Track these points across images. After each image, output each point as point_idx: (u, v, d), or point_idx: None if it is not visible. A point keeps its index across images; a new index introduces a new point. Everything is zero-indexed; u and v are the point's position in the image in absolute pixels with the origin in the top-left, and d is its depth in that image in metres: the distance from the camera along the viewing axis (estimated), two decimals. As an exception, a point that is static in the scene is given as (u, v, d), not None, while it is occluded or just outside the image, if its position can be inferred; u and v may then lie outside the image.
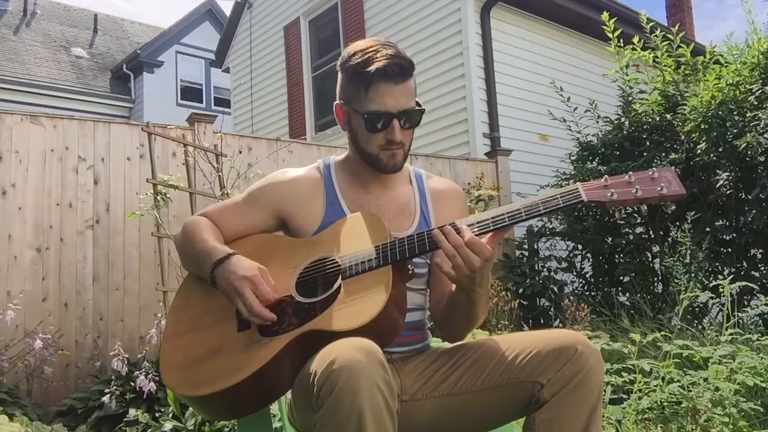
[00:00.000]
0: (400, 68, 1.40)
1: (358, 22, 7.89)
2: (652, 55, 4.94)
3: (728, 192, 4.36)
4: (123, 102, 14.84)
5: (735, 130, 4.18)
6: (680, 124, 4.53)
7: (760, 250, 4.50)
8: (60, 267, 4.13)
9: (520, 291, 5.16)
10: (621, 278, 4.99)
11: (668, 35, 4.92)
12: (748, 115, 4.13)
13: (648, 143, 4.87)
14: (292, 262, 1.40)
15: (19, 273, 3.98)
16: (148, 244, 4.34)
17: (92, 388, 3.57)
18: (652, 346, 3.08)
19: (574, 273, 5.33)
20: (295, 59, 8.77)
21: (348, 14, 8.07)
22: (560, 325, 4.85)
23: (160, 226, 3.74)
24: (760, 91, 4.14)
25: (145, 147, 4.42)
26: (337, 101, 1.51)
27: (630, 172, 1.25)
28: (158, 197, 3.70)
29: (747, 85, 4.25)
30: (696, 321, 3.94)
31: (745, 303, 4.06)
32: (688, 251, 3.77)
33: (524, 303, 5.13)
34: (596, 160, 5.19)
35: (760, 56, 4.30)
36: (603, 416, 2.15)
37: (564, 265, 5.38)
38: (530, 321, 5.25)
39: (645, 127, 4.87)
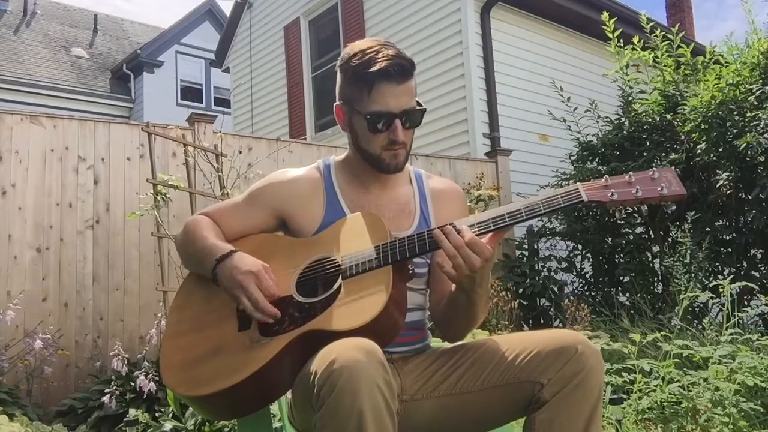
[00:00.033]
0: (402, 68, 1.40)
1: (358, 22, 7.89)
2: (652, 55, 4.94)
3: (728, 192, 4.36)
4: (123, 102, 14.85)
5: (735, 130, 4.18)
6: (680, 124, 4.53)
7: (760, 250, 4.51)
8: (60, 267, 4.13)
9: (520, 291, 5.16)
10: (621, 278, 4.99)
11: (668, 35, 4.92)
12: (748, 115, 4.13)
13: (648, 143, 4.87)
14: (292, 261, 1.40)
15: (19, 273, 3.98)
16: (148, 244, 4.34)
17: (92, 388, 3.57)
18: (652, 346, 3.08)
19: (574, 273, 5.33)
20: (295, 59, 8.77)
21: (348, 14, 8.07)
22: (560, 325, 4.85)
23: (160, 226, 3.74)
24: (760, 91, 4.14)
25: (145, 147, 4.42)
26: (337, 102, 1.51)
27: (630, 173, 1.25)
28: (158, 197, 3.70)
29: (747, 85, 4.25)
30: (696, 321, 3.94)
31: (745, 303, 4.06)
32: (688, 251, 3.77)
33: (524, 303, 5.13)
34: (596, 160, 5.19)
35: (760, 56, 4.31)
36: (603, 416, 2.16)
37: (564, 265, 5.38)
38: (530, 321, 5.25)
39: (645, 127, 4.87)
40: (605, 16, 5.12)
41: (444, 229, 1.26)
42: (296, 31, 8.82)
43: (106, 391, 3.18)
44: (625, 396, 2.61)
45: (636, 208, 4.93)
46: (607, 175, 1.28)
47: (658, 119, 4.79)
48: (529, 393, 1.26)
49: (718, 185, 4.28)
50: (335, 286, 1.31)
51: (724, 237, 4.50)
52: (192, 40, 15.74)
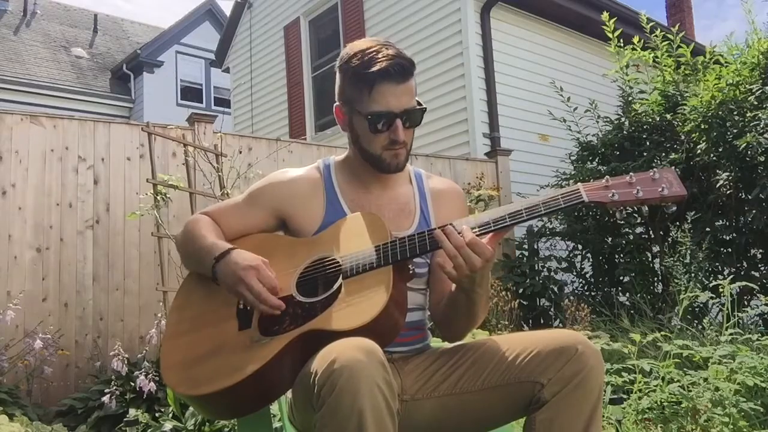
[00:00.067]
0: (402, 68, 1.40)
1: (358, 22, 7.89)
2: (652, 55, 4.94)
3: (728, 192, 4.36)
4: (123, 102, 14.85)
5: (735, 130, 4.18)
6: (680, 124, 4.53)
7: (760, 250, 4.51)
8: (60, 267, 4.13)
9: (520, 291, 5.16)
10: (621, 278, 4.99)
11: (668, 35, 4.92)
12: (748, 115, 4.13)
13: (648, 143, 4.87)
14: (292, 261, 1.40)
15: (19, 273, 3.98)
16: (148, 244, 4.34)
17: (92, 388, 3.57)
18: (652, 346, 3.08)
19: (574, 273, 5.33)
20: (295, 59, 8.77)
21: (348, 14, 8.07)
22: (560, 325, 4.85)
23: (160, 226, 3.74)
24: (760, 91, 4.15)
25: (145, 147, 4.42)
26: (337, 102, 1.51)
27: (631, 173, 1.25)
28: (158, 197, 3.70)
29: (747, 85, 4.25)
30: (696, 321, 3.94)
31: (745, 303, 4.06)
32: (688, 251, 3.77)
33: (524, 303, 5.13)
34: (596, 160, 5.19)
35: (760, 56, 4.31)
36: (603, 416, 2.16)
37: (564, 265, 5.39)
38: (530, 321, 5.25)
39: (645, 127, 4.87)
40: (605, 16, 5.12)
41: (445, 230, 1.26)
42: (296, 31, 8.82)
43: (106, 391, 3.18)
44: (625, 396, 2.61)
45: (636, 208, 4.90)
46: (608, 176, 1.28)
47: (658, 119, 4.79)
48: (529, 393, 1.26)
49: (718, 185, 4.28)
50: (336, 286, 1.31)
51: (724, 237, 4.50)
52: (192, 40, 15.74)
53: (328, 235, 1.42)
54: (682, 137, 4.55)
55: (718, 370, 2.53)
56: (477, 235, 1.25)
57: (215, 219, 1.53)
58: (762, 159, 4.02)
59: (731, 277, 3.74)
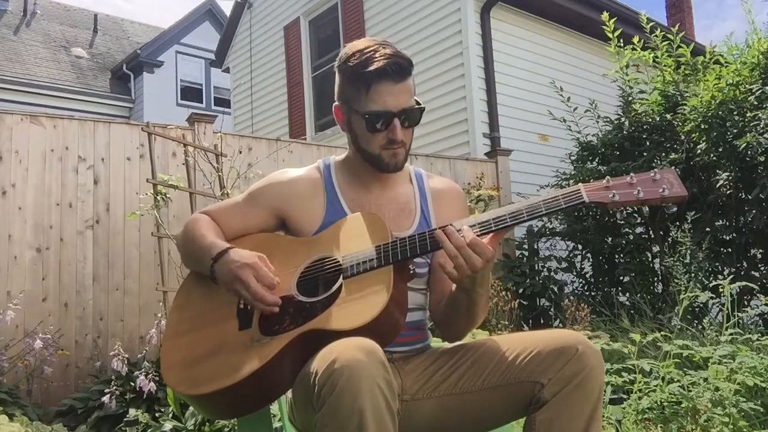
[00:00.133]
0: (399, 67, 1.40)
1: (358, 22, 7.89)
2: (652, 55, 4.94)
3: (728, 192, 4.36)
4: (123, 102, 14.85)
5: (735, 130, 4.18)
6: (680, 124, 4.53)
7: (760, 250, 4.51)
8: (60, 267, 4.13)
9: (520, 291, 5.16)
10: (621, 278, 4.99)
11: (668, 35, 4.92)
12: (748, 115, 4.13)
13: (648, 143, 4.87)
14: (292, 261, 1.40)
15: (19, 273, 3.98)
16: (148, 244, 4.34)
17: (92, 388, 3.57)
18: (652, 346, 3.08)
19: (574, 273, 5.33)
20: (295, 59, 8.77)
21: (348, 14, 8.07)
22: (560, 325, 4.85)
23: (160, 226, 3.74)
24: (760, 91, 4.15)
25: (145, 147, 4.42)
26: (336, 102, 1.51)
27: (632, 174, 1.25)
28: (158, 197, 3.70)
29: (747, 85, 4.25)
30: (696, 321, 3.94)
31: (745, 303, 4.06)
32: (688, 251, 3.77)
33: (524, 303, 5.13)
34: (596, 160, 5.19)
35: (760, 56, 4.31)
36: (603, 416, 2.16)
37: (564, 265, 5.39)
38: (530, 321, 5.25)
39: (645, 127, 4.87)
40: (605, 16, 5.12)
41: (446, 230, 1.26)
42: (296, 31, 8.82)
43: (106, 391, 3.18)
44: (625, 396, 2.61)
45: (636, 209, 4.92)
46: (608, 177, 1.28)
47: (658, 119, 4.79)
48: (529, 393, 1.26)
49: (718, 185, 4.28)
50: (336, 286, 1.31)
51: (724, 237, 4.50)
52: (192, 40, 15.74)
53: (328, 235, 1.42)
54: (682, 137, 4.55)
55: (718, 370, 2.54)
56: (478, 235, 1.25)
57: (215, 218, 1.54)
58: (762, 159, 4.02)
59: (731, 277, 3.74)
